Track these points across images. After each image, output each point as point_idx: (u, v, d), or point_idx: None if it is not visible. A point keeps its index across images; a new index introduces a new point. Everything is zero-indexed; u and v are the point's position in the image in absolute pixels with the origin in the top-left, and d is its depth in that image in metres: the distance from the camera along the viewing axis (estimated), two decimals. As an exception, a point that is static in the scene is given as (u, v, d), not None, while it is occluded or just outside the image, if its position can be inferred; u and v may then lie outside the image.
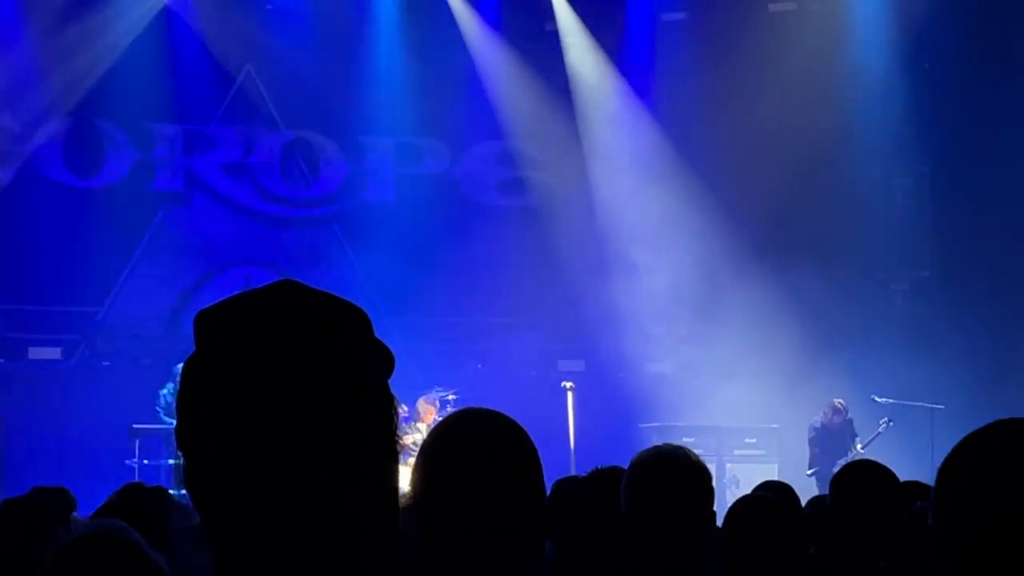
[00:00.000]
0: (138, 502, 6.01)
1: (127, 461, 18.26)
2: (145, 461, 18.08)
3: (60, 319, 21.14)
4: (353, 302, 2.00)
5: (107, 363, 21.17)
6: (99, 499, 6.46)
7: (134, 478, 16.17)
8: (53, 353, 21.20)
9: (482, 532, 2.94)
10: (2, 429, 18.94)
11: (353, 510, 1.91)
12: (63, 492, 7.77)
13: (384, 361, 1.98)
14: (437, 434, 3.11)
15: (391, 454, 1.96)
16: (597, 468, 5.15)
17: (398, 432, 1.98)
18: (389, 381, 2.00)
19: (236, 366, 1.89)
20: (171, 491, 7.11)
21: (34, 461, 17.81)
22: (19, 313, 20.94)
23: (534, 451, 3.07)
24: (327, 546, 1.90)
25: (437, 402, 18.54)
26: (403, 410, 17.73)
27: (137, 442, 18.30)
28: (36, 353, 21.10)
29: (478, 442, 3.03)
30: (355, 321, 1.97)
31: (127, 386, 19.95)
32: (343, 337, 1.94)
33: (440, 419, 3.30)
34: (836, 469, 18.18)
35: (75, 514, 7.89)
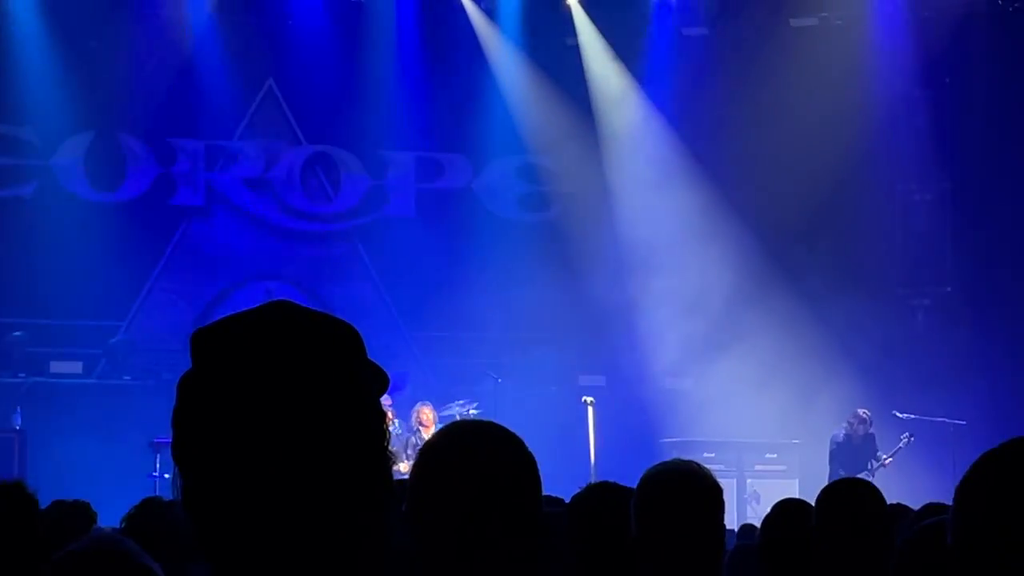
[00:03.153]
0: (157, 516, 6.01)
1: (148, 475, 18.30)
2: (166, 475, 18.08)
3: (81, 333, 21.18)
4: (347, 321, 2.04)
5: (128, 377, 21.19)
6: (120, 513, 6.47)
7: (155, 492, 16.21)
8: (74, 367, 21.24)
9: (473, 544, 2.94)
10: (23, 443, 18.98)
11: (345, 526, 1.93)
12: (83, 506, 7.76)
13: (375, 379, 2.02)
14: (429, 446, 3.12)
15: (383, 470, 1.99)
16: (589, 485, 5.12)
17: (391, 449, 2.01)
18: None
19: (230, 384, 1.94)
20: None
21: (55, 475, 17.82)
22: (40, 327, 20.98)
23: (529, 461, 3.06)
24: (319, 561, 1.92)
25: (430, 405, 18.48)
26: (395, 425, 17.73)
27: (158, 456, 18.34)
28: (57, 367, 21.13)
29: (469, 453, 3.02)
30: (346, 340, 2.01)
31: (148, 400, 19.96)
32: (335, 355, 1.98)
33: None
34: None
35: (96, 526, 7.89)
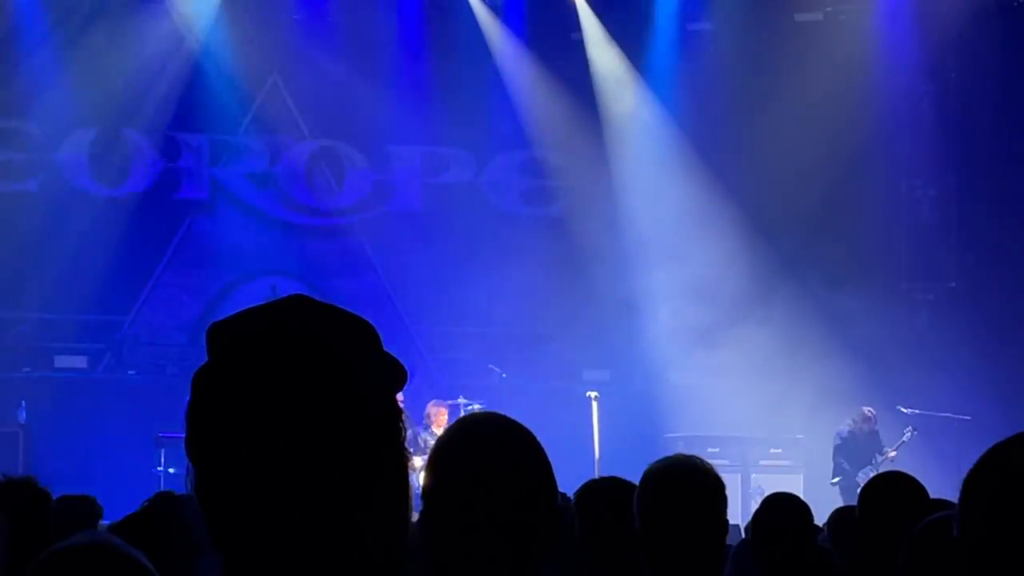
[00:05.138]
0: (169, 511, 6.01)
1: (153, 470, 18.30)
2: (171, 470, 18.11)
3: (86, 328, 21.19)
4: (363, 316, 2.02)
5: (133, 372, 21.22)
6: (125, 508, 6.46)
7: (160, 487, 16.21)
8: (79, 362, 21.26)
9: (489, 535, 2.94)
10: (28, 438, 18.99)
11: (361, 521, 1.92)
12: (89, 501, 7.77)
13: (392, 374, 2.00)
14: (444, 439, 3.11)
15: (399, 466, 1.97)
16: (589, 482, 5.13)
17: (407, 445, 2.00)
18: (403, 392, 2.02)
19: (245, 378, 1.92)
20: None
21: (60, 470, 17.84)
22: (45, 322, 21.00)
23: (541, 453, 3.06)
24: (334, 557, 1.91)
25: (459, 408, 18.53)
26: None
27: (163, 451, 18.34)
28: (62, 362, 21.15)
29: (483, 445, 3.02)
30: (364, 334, 2.00)
31: (153, 395, 19.99)
32: (351, 350, 1.96)
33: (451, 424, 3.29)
34: (860, 478, 18.10)
35: (101, 522, 7.90)
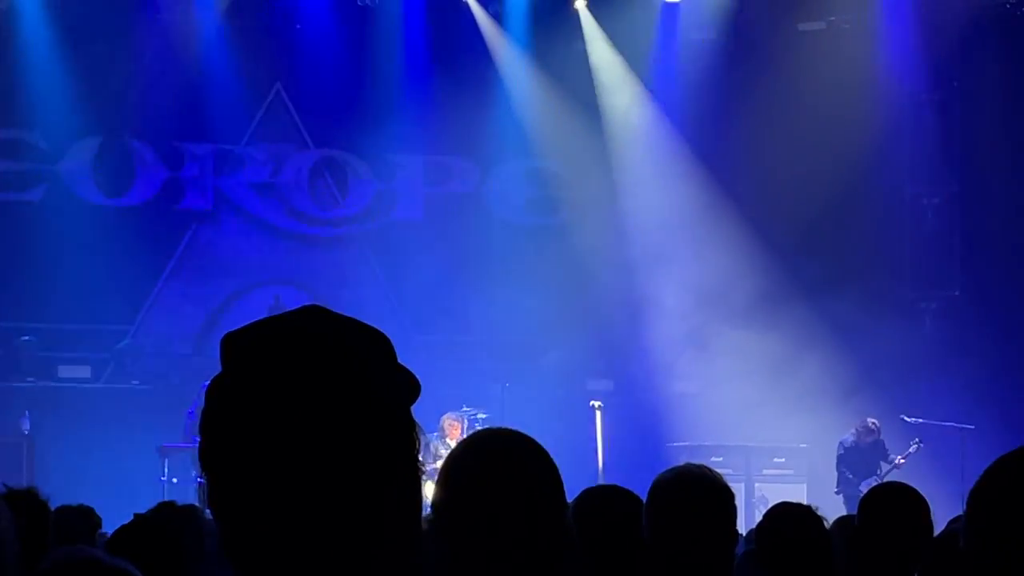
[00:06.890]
0: (170, 521, 6.01)
1: (156, 479, 18.29)
2: (174, 480, 18.11)
3: (90, 338, 21.19)
4: (377, 327, 2.01)
5: (136, 382, 21.20)
6: (128, 518, 6.46)
7: (163, 496, 16.19)
8: (83, 372, 21.25)
9: (501, 550, 2.94)
10: (32, 448, 18.98)
11: (374, 534, 1.92)
12: (87, 511, 7.76)
13: (407, 387, 2.00)
14: (457, 454, 3.11)
15: (413, 479, 1.97)
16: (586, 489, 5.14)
17: (420, 457, 1.99)
18: (415, 403, 2.01)
19: (260, 390, 1.92)
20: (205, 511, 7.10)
21: (63, 480, 17.83)
22: (49, 332, 21.00)
23: (553, 468, 3.06)
24: (347, 570, 1.90)
25: (464, 420, 18.53)
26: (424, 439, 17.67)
27: (166, 461, 18.35)
28: (66, 372, 21.15)
29: (497, 460, 3.02)
30: (378, 347, 1.99)
31: (156, 405, 20.00)
32: (366, 362, 1.96)
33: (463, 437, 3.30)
34: (864, 489, 18.07)
35: (101, 531, 7.89)
